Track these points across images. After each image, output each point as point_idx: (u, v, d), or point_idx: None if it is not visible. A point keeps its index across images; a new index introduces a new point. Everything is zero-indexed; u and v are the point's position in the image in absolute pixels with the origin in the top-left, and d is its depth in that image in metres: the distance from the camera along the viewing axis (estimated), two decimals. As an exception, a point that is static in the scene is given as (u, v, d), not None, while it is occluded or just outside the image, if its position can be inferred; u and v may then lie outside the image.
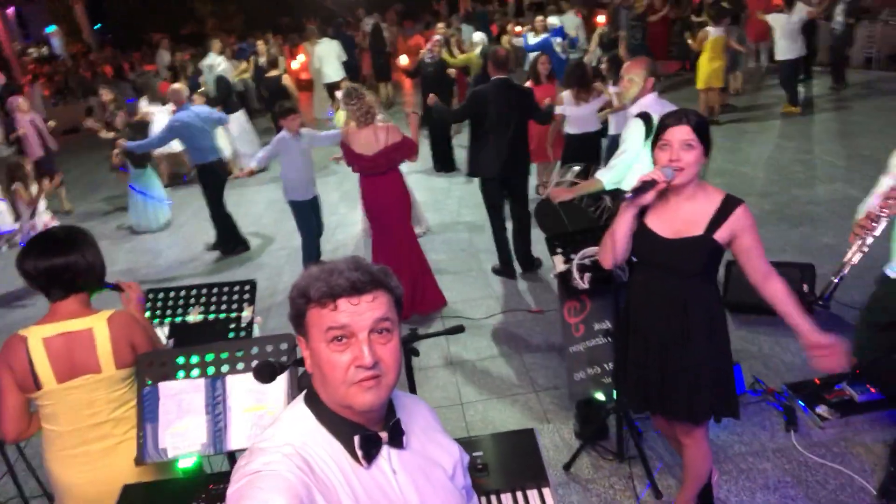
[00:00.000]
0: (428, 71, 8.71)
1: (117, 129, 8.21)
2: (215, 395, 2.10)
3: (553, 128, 6.34)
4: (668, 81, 12.49)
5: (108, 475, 2.18)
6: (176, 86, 6.76)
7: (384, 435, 1.28)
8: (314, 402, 1.28)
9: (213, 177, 6.58)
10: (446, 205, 7.74)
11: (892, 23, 12.24)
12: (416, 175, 8.73)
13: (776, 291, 2.33)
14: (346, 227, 7.28)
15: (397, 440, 1.30)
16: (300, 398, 1.32)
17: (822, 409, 3.46)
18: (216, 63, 11.01)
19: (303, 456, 1.20)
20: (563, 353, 3.30)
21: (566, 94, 6.00)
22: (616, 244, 2.44)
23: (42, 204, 6.46)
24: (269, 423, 2.05)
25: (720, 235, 2.32)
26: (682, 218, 2.37)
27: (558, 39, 10.93)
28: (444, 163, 8.95)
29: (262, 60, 10.93)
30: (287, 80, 10.17)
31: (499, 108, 5.06)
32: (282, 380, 2.10)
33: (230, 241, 6.91)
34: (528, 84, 6.85)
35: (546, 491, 1.97)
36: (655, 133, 2.37)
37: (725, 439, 3.43)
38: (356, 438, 1.25)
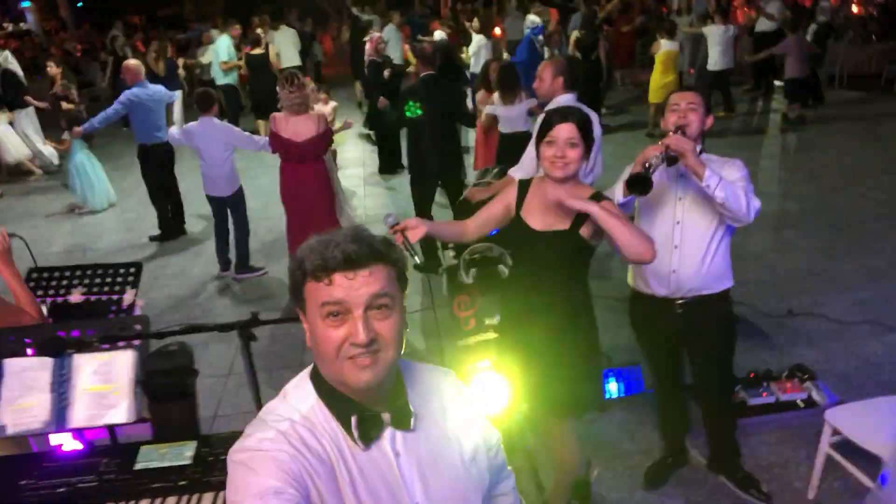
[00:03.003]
0: (376, 70, 8.25)
1: (75, 102, 8.22)
2: (62, 373, 2.11)
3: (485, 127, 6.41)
4: (638, 91, 12.52)
5: None
6: (132, 62, 6.72)
7: (386, 416, 1.23)
8: (316, 377, 1.25)
9: (153, 159, 6.54)
10: (397, 202, 7.74)
11: (856, 44, 12.46)
12: (367, 176, 8.78)
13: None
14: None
15: (404, 421, 1.25)
16: (306, 370, 1.29)
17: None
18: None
19: (300, 434, 1.18)
20: (452, 347, 3.35)
21: (496, 95, 6.06)
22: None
23: None
24: (110, 404, 2.09)
25: (584, 230, 2.36)
26: (555, 212, 2.41)
27: (539, 37, 10.92)
28: (391, 164, 8.85)
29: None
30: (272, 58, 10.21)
31: (430, 105, 5.13)
32: (128, 360, 2.12)
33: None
34: (480, 93, 6.82)
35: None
36: (542, 130, 2.41)
37: (617, 437, 3.50)
38: (353, 419, 1.20)
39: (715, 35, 9.66)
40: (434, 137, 5.18)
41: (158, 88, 6.66)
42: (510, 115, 5.71)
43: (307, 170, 4.77)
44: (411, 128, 5.25)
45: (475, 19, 12.04)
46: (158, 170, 6.63)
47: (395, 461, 1.23)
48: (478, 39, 10.67)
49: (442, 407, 1.34)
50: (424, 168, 5.33)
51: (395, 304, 1.20)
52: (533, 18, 11.71)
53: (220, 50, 10.69)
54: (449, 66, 6.32)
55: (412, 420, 1.26)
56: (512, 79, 5.73)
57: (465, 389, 1.43)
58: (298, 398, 1.24)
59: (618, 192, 2.58)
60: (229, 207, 5.67)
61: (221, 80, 10.79)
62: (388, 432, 1.23)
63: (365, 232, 1.21)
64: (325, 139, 4.76)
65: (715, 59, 9.76)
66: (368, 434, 1.21)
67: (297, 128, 4.69)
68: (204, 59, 11.86)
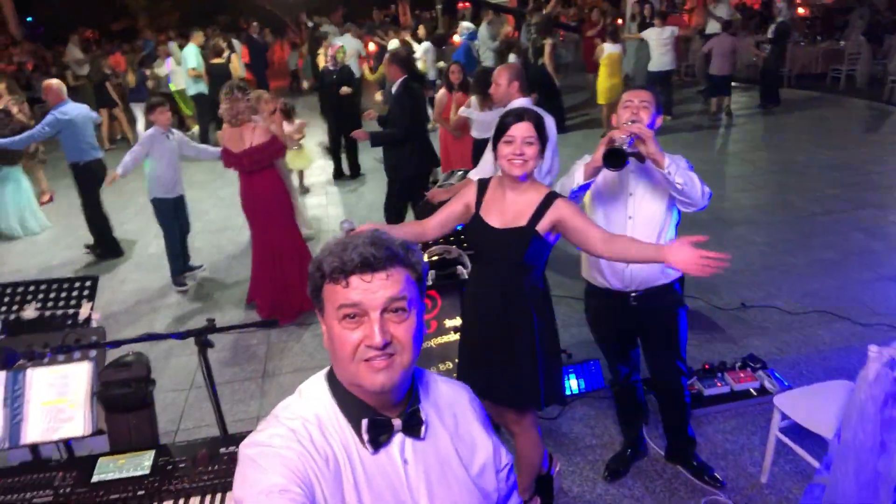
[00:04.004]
0: (331, 79, 8.37)
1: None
2: (15, 388, 2.09)
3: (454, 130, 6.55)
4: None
5: None
6: (54, 81, 6.55)
7: (397, 422, 1.22)
8: (331, 378, 1.26)
9: (90, 176, 6.43)
10: (357, 210, 7.77)
11: (802, 44, 12.89)
12: (328, 183, 8.84)
13: (623, 243, 2.34)
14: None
15: (414, 429, 1.24)
16: (322, 371, 1.29)
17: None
18: None
19: (310, 433, 1.18)
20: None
21: (473, 100, 6.12)
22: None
23: None
24: (66, 417, 2.08)
25: (541, 226, 2.43)
26: (513, 210, 2.49)
27: (475, 42, 11.14)
28: (351, 169, 8.90)
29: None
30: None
31: (419, 107, 5.42)
32: (84, 372, 2.11)
33: (106, 244, 6.79)
34: (441, 91, 7.01)
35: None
36: (499, 130, 2.47)
37: (579, 431, 3.57)
38: (364, 422, 1.20)
39: (653, 38, 9.98)
40: (426, 133, 5.50)
41: (83, 106, 6.48)
42: (486, 120, 5.77)
43: (255, 180, 4.82)
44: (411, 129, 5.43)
45: (420, 27, 12.25)
46: (96, 186, 6.50)
47: (402, 468, 1.23)
48: (424, 46, 10.87)
49: (454, 420, 1.34)
50: (420, 168, 5.59)
51: (412, 308, 1.20)
52: (467, 24, 11.93)
53: (189, 58, 10.64)
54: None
55: (423, 429, 1.26)
56: (489, 83, 5.83)
57: (479, 406, 1.43)
58: (313, 397, 1.25)
59: (577, 176, 2.63)
60: (174, 209, 5.68)
61: (193, 89, 10.77)
62: (397, 439, 1.24)
63: (383, 235, 1.21)
64: (263, 150, 4.74)
65: (656, 61, 10.07)
66: (378, 438, 1.21)
67: (234, 139, 4.76)
68: (160, 72, 11.79)
